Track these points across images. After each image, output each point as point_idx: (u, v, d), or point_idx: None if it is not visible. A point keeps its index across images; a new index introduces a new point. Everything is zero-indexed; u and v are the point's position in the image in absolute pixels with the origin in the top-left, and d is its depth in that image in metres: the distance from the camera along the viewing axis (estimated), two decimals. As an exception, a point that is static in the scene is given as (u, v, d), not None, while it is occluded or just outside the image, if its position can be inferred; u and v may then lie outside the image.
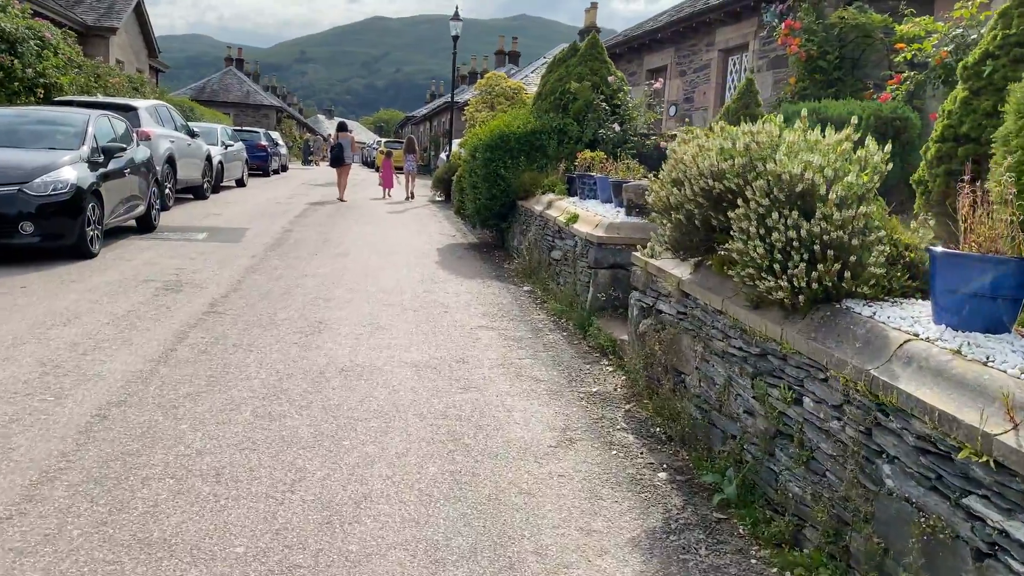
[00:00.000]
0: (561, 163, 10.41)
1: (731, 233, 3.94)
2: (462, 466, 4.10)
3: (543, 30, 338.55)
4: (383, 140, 51.86)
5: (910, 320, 3.20)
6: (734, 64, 15.55)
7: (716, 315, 4.35)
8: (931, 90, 8.89)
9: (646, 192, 7.37)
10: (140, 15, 30.82)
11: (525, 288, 9.05)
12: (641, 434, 4.77)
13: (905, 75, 9.04)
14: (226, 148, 20.88)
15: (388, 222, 15.49)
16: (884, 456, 2.90)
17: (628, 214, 7.44)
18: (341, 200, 19.86)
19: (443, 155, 27.42)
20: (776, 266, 3.59)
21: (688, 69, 16.76)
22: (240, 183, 22.96)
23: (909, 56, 8.96)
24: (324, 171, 35.44)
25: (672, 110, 17.16)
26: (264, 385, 5.14)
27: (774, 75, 13.81)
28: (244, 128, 30.89)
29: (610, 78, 11.39)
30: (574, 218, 8.01)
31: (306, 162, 49.44)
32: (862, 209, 3.44)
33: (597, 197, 9.17)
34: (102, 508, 3.43)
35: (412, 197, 22.05)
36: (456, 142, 25.23)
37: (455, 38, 23.54)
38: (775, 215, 3.62)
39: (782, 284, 3.54)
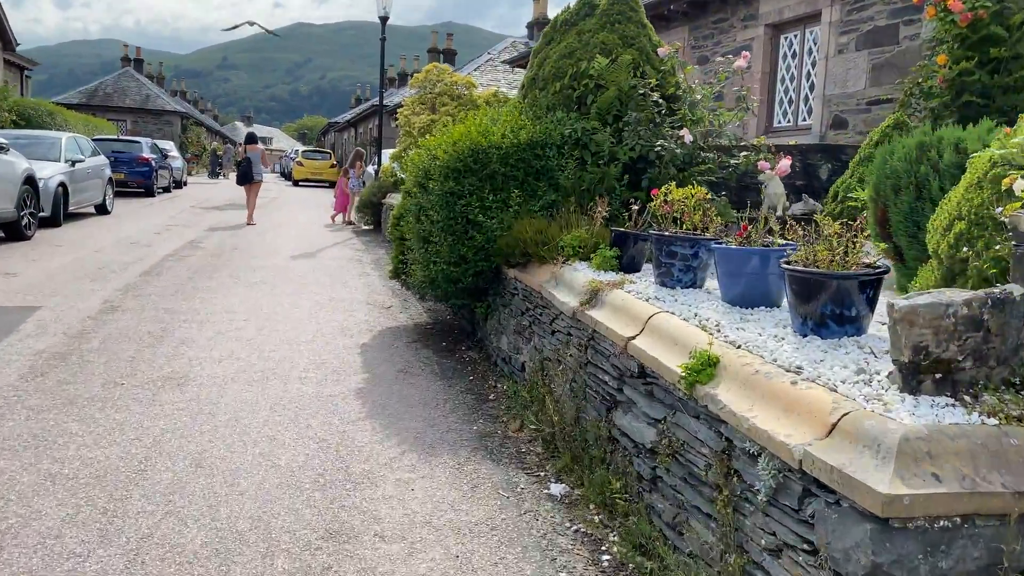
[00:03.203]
0: (600, 204, 5.46)
1: None
2: None
3: (470, 36, 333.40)
4: (301, 149, 46.18)
5: None
6: (789, 44, 10.94)
7: None
8: None
9: (979, 323, 2.54)
10: (-13, -3, 24.81)
11: (555, 488, 4.12)
12: None
13: None
14: (73, 165, 15.35)
15: (287, 279, 10.30)
16: None
17: (911, 387, 2.52)
18: (250, 224, 16.65)
19: (370, 168, 22.34)
20: None
21: (713, 54, 12.11)
22: (102, 209, 17.45)
23: None
24: (230, 187, 29.78)
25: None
26: None
27: (870, 58, 9.22)
28: (120, 137, 25.15)
29: (660, 51, 6.57)
30: (708, 366, 3.11)
31: (214, 174, 43.36)
32: None
33: (698, 284, 4.33)
34: None
35: (352, 222, 18.54)
36: (387, 153, 20.18)
37: (383, 19, 18.42)
38: None
39: None
